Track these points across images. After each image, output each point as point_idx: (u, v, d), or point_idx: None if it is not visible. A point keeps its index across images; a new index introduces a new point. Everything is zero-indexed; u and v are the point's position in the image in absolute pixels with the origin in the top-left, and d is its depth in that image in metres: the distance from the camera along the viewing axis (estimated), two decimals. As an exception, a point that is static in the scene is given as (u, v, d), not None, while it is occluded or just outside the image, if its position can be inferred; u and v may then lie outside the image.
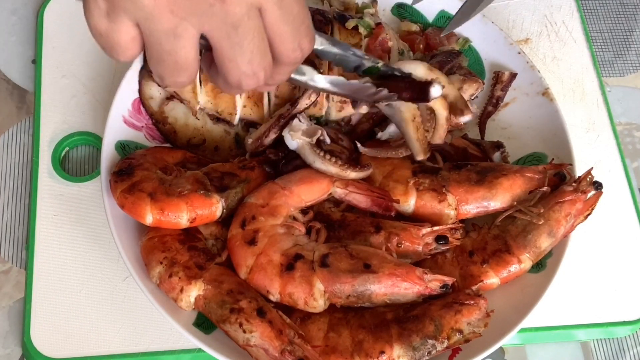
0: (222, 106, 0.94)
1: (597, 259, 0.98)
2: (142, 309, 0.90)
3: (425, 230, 0.85)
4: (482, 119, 1.01)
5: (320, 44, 0.78)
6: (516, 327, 0.82)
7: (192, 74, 0.63)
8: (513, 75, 1.01)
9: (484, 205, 0.89)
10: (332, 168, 0.87)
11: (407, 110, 0.83)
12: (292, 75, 0.77)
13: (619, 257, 0.98)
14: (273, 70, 0.66)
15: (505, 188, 0.88)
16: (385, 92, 0.80)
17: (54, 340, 0.89)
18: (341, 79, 0.79)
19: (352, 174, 0.88)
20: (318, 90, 0.83)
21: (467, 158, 0.94)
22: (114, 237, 0.86)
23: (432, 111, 0.86)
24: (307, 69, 0.79)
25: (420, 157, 0.86)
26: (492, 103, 1.01)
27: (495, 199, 0.88)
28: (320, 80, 0.79)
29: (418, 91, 0.80)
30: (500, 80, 1.01)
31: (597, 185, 0.87)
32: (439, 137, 0.87)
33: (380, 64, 0.81)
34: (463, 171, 0.90)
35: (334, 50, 0.79)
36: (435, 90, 0.79)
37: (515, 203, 0.88)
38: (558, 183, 0.90)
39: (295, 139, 0.89)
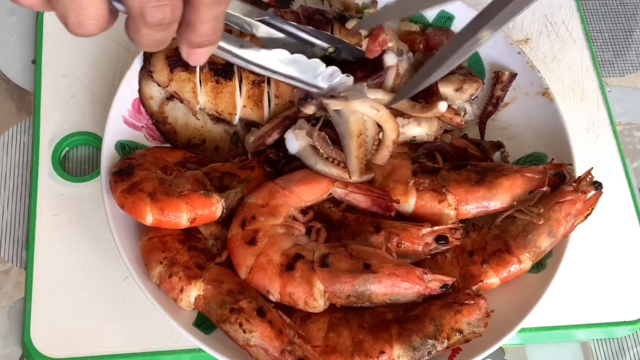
0: (222, 106, 0.94)
1: (597, 259, 0.98)
2: (142, 309, 0.90)
3: (425, 230, 0.85)
4: (482, 119, 1.01)
5: (265, 30, 0.71)
6: (516, 327, 0.82)
7: (98, 17, 0.56)
8: (513, 75, 1.01)
9: (484, 205, 0.89)
10: (333, 170, 0.87)
11: (355, 122, 0.80)
12: (225, 45, 0.69)
13: (619, 257, 0.99)
14: (190, 13, 0.59)
15: (505, 188, 0.88)
16: (336, 71, 0.74)
17: (54, 340, 0.89)
18: (287, 54, 0.72)
19: (354, 177, 0.88)
20: (255, 70, 0.75)
21: (467, 158, 0.94)
22: (114, 237, 0.86)
23: (381, 130, 0.83)
24: (247, 42, 0.72)
25: (354, 176, 0.83)
26: (492, 103, 1.01)
27: (495, 199, 0.88)
28: (262, 56, 0.71)
29: (372, 66, 0.74)
30: (500, 80, 1.01)
31: (597, 185, 0.87)
32: (382, 157, 0.83)
33: (330, 49, 0.76)
34: (463, 171, 0.90)
35: (278, 35, 0.74)
36: (389, 58, 0.73)
37: (515, 203, 0.88)
38: (558, 183, 0.90)
39: (299, 139, 0.89)
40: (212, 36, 0.62)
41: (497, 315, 0.81)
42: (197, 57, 0.65)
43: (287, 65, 0.74)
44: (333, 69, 0.77)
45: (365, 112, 0.80)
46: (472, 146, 0.96)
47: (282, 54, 0.74)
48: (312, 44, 0.77)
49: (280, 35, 0.75)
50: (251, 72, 0.77)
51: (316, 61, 0.75)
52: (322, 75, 0.77)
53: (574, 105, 1.09)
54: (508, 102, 1.02)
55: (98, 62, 1.07)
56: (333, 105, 0.78)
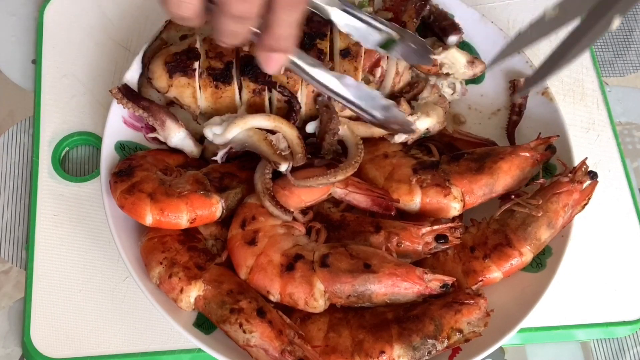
0: (223, 111, 0.93)
1: (597, 259, 0.98)
2: (142, 309, 0.90)
3: (425, 229, 0.85)
4: (509, 130, 1.00)
5: (339, 15, 0.83)
6: (516, 327, 0.82)
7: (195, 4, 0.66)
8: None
9: (488, 191, 0.89)
10: (321, 179, 0.87)
11: (255, 134, 0.87)
12: (298, 61, 0.77)
13: (619, 257, 0.98)
14: (268, 17, 0.67)
15: (505, 171, 0.89)
16: (392, 104, 0.84)
17: (54, 340, 0.89)
18: (353, 81, 0.81)
19: (340, 176, 0.87)
20: (319, 88, 0.84)
21: (455, 145, 0.95)
22: (114, 237, 0.86)
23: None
24: (318, 62, 0.80)
25: (284, 166, 0.85)
26: (516, 112, 1.00)
27: (497, 184, 0.89)
28: (329, 78, 0.80)
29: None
30: (518, 88, 1.00)
31: (593, 175, 0.88)
32: (298, 160, 0.88)
33: (395, 36, 0.87)
34: (462, 161, 0.90)
35: (352, 21, 0.84)
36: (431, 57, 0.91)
37: (513, 197, 0.88)
38: (550, 156, 0.91)
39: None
40: (285, 41, 0.70)
41: (497, 314, 0.81)
42: (273, 62, 0.73)
43: (349, 91, 0.83)
44: (389, 102, 0.86)
45: (257, 125, 0.88)
46: (459, 132, 0.98)
47: (348, 80, 0.82)
48: (380, 30, 0.87)
49: (355, 21, 0.86)
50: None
51: (376, 93, 0.85)
52: (379, 106, 0.86)
53: (574, 105, 1.09)
54: (507, 101, 1.02)
55: (98, 62, 1.06)
56: (230, 134, 0.87)
